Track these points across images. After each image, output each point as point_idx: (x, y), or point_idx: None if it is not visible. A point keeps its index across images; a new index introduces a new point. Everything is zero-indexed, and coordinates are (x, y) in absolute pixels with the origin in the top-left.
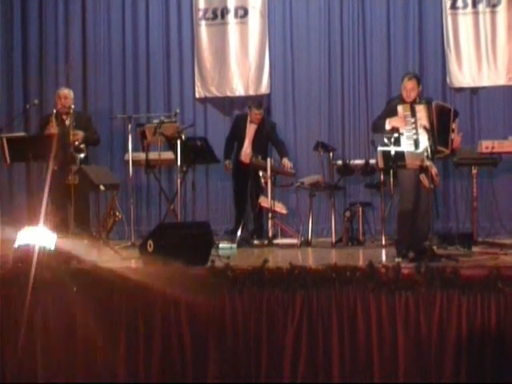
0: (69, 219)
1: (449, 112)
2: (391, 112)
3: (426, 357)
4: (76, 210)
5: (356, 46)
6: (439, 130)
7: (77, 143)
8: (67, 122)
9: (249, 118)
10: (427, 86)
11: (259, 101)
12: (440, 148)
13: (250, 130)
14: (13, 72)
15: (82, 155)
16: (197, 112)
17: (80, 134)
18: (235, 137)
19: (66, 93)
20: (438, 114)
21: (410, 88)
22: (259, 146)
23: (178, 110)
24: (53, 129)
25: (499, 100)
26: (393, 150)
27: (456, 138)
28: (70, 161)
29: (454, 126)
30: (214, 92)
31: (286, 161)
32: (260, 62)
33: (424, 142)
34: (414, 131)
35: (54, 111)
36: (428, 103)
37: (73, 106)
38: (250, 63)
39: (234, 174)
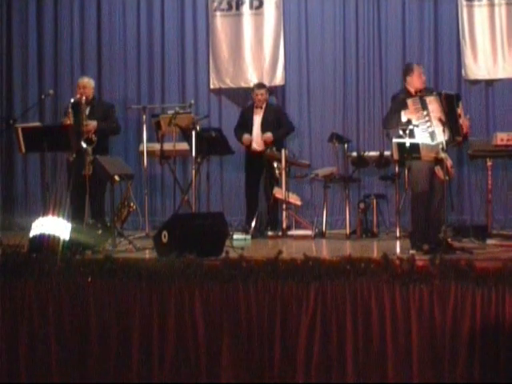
0: (85, 210)
1: (453, 98)
2: (400, 106)
3: (439, 349)
4: (91, 200)
5: (371, 38)
6: (452, 120)
7: (90, 134)
8: (87, 112)
9: (254, 104)
10: (442, 79)
11: (261, 82)
12: (456, 138)
13: (257, 116)
14: (28, 62)
15: (86, 146)
16: (211, 103)
17: (92, 124)
18: (243, 126)
19: (85, 82)
20: (448, 103)
21: (421, 73)
22: (268, 131)
23: (192, 101)
24: (68, 119)
25: None
26: (408, 141)
27: (464, 122)
28: (83, 152)
29: (459, 110)
30: (229, 83)
31: (267, 135)
32: (275, 54)
33: (440, 133)
34: (429, 124)
35: (72, 100)
36: (439, 94)
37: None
38: (264, 54)
39: (245, 165)
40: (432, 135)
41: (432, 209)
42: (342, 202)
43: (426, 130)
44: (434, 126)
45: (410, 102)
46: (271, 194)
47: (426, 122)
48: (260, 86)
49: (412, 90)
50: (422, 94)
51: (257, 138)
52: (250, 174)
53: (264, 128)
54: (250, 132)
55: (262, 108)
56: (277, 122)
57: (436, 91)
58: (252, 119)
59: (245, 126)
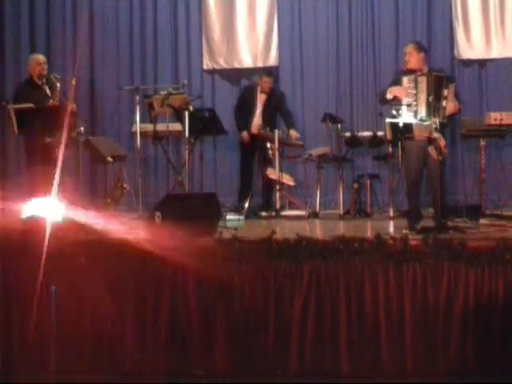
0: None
1: (442, 79)
2: (396, 83)
3: (432, 328)
4: None
5: (364, 17)
6: (436, 100)
7: None
8: (44, 88)
9: (259, 88)
10: (435, 59)
11: (270, 69)
12: (433, 119)
13: (261, 100)
14: (20, 43)
15: None
16: (204, 83)
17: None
18: (243, 107)
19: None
20: (436, 85)
21: (406, 53)
22: (268, 117)
23: (185, 82)
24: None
25: (507, 72)
26: (401, 121)
27: (450, 104)
28: None
29: (445, 92)
30: (222, 64)
31: (293, 132)
32: (268, 34)
33: (422, 112)
34: (415, 103)
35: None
36: (428, 75)
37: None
38: (258, 35)
39: (241, 145)
40: (415, 114)
41: (432, 192)
42: (336, 182)
43: (411, 109)
44: (417, 106)
45: (405, 79)
46: (265, 175)
47: (413, 101)
48: (269, 73)
49: (411, 68)
50: (420, 74)
51: (256, 121)
52: (245, 156)
53: (265, 112)
54: (250, 114)
55: (266, 93)
56: (276, 109)
57: (436, 71)
58: (254, 102)
59: (246, 107)
